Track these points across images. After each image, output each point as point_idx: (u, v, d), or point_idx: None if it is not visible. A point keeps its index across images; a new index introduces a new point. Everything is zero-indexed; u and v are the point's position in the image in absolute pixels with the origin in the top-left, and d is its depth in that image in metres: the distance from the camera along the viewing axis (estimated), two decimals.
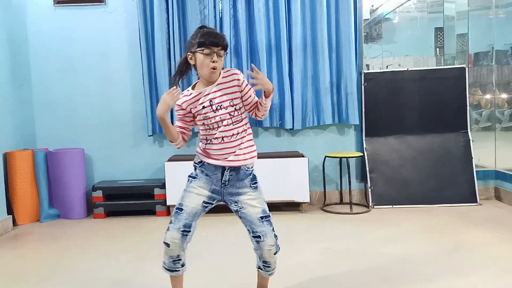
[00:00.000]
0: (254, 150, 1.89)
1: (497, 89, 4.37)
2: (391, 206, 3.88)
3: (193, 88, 1.87)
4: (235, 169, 1.85)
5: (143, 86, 3.93)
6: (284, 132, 4.11)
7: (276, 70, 3.96)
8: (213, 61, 1.76)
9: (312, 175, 4.02)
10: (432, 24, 4.73)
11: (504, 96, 4.40)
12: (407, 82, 4.07)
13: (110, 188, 3.80)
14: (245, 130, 1.86)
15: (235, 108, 1.82)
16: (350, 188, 3.85)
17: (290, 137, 4.13)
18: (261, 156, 3.84)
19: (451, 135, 4.07)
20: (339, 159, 3.96)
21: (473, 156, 4.00)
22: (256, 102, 1.86)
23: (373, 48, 5.09)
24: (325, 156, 3.93)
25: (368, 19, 4.53)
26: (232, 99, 1.82)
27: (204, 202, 1.87)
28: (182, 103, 1.84)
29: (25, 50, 4.00)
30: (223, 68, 1.85)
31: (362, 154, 3.97)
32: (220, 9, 3.91)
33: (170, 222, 1.87)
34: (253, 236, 1.88)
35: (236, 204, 1.88)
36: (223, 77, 1.83)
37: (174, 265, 1.89)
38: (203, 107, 1.81)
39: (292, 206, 3.85)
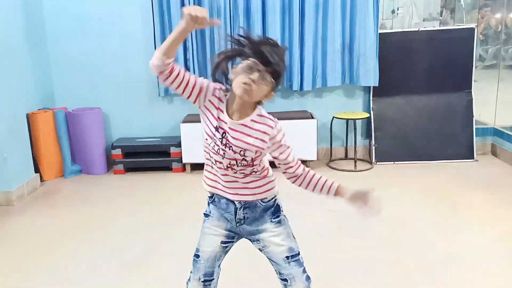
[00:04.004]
0: (270, 182, 1.53)
1: (507, 7, 4.30)
2: (392, 163, 4.13)
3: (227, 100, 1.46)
4: (249, 206, 1.52)
5: (154, 47, 3.97)
6: (293, 91, 4.23)
7: (289, 31, 3.98)
8: (253, 80, 1.34)
9: (320, 132, 4.21)
10: None
11: None
12: (417, 43, 4.12)
13: (129, 147, 4.01)
14: (256, 172, 1.50)
15: (244, 158, 1.44)
16: (355, 146, 4.07)
17: (299, 97, 4.26)
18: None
19: (455, 95, 4.21)
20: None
21: (474, 114, 4.18)
22: (295, 172, 1.50)
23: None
24: (333, 117, 4.10)
25: None
26: (245, 150, 1.43)
27: (222, 242, 1.59)
28: (211, 96, 1.44)
29: (39, 9, 3.99)
30: (260, 113, 1.44)
31: (368, 115, 4.13)
32: None
33: (191, 272, 1.64)
34: (280, 278, 1.57)
35: (258, 242, 1.57)
36: (251, 120, 1.43)
37: None
38: (216, 128, 1.43)
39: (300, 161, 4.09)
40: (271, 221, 1.55)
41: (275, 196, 1.57)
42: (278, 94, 4.24)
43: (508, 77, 4.45)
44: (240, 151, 1.43)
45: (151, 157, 4.02)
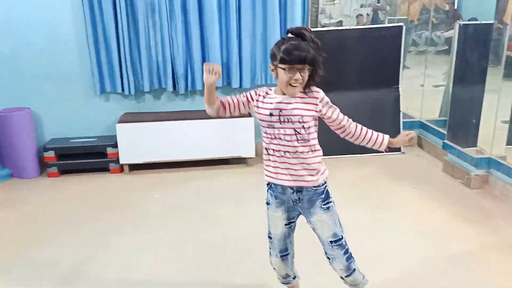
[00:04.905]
0: (320, 170, 1.79)
1: None
2: (326, 157, 4.30)
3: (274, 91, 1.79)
4: (301, 190, 1.78)
5: (87, 44, 3.84)
6: (233, 90, 4.25)
7: (226, 28, 3.98)
8: (295, 79, 1.66)
9: (258, 129, 4.28)
10: None
11: None
12: (349, 41, 4.28)
13: (62, 148, 3.86)
14: (313, 151, 1.76)
15: (303, 126, 1.71)
16: None
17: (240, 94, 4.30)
18: (212, 117, 4.05)
19: (384, 90, 4.44)
20: None
21: (401, 109, 4.45)
22: (345, 124, 1.82)
23: None
24: None
25: None
26: (302, 116, 1.71)
27: (285, 224, 1.88)
28: (256, 96, 1.78)
29: None
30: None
31: None
32: None
33: (269, 247, 1.96)
34: (326, 256, 1.89)
35: (310, 223, 1.85)
36: (301, 92, 1.73)
37: (286, 279, 2.03)
38: (271, 115, 1.73)
39: (239, 158, 4.16)
40: (321, 207, 1.80)
41: (325, 183, 1.83)
42: (217, 92, 4.22)
43: (436, 64, 4.71)
44: (299, 118, 1.71)
45: (87, 158, 3.91)
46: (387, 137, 1.87)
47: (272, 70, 1.73)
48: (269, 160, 1.79)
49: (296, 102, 1.72)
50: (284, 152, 1.74)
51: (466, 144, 3.65)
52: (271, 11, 3.97)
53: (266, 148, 1.78)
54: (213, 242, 2.79)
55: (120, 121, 3.87)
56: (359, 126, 1.86)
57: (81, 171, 3.95)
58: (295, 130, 1.71)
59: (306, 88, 1.73)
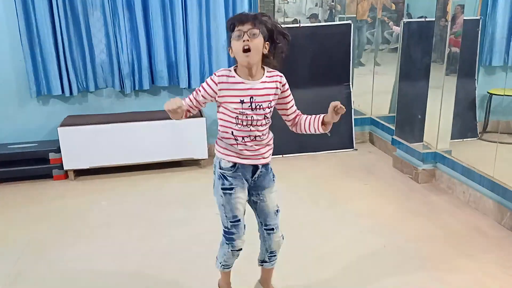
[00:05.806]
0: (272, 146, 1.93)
1: None
2: (281, 156, 4.30)
3: (235, 71, 1.75)
4: (265, 166, 1.89)
5: (21, 43, 3.61)
6: (181, 90, 4.14)
7: (172, 27, 3.86)
8: (244, 40, 1.63)
9: (211, 129, 4.20)
10: None
11: None
12: (299, 38, 4.26)
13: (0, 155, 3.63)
14: (270, 130, 1.87)
15: (270, 110, 1.80)
16: None
17: (189, 94, 4.18)
18: (162, 117, 3.93)
19: (335, 88, 4.47)
20: None
21: (352, 106, 4.49)
22: (295, 114, 1.91)
23: None
24: None
25: None
26: (270, 101, 1.77)
27: (246, 202, 1.93)
28: (218, 81, 1.73)
29: None
30: (268, 70, 1.78)
31: None
32: None
33: (231, 233, 1.90)
34: (265, 229, 1.96)
35: (258, 196, 1.92)
36: (267, 76, 1.77)
37: (234, 261, 2.01)
38: (242, 102, 1.73)
39: (192, 160, 4.06)
40: (273, 180, 1.94)
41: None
42: (165, 92, 4.14)
43: (389, 63, 4.80)
44: (268, 104, 1.77)
45: (27, 165, 3.68)
46: (321, 116, 1.87)
47: (231, 52, 1.72)
48: (237, 144, 1.79)
49: (265, 88, 1.76)
50: (255, 137, 1.79)
51: (413, 139, 3.73)
52: (217, 8, 3.89)
53: (232, 134, 1.78)
54: (160, 250, 2.68)
55: (63, 125, 3.67)
56: (304, 116, 1.93)
57: (22, 179, 3.72)
58: (264, 116, 1.78)
59: (267, 68, 1.78)
